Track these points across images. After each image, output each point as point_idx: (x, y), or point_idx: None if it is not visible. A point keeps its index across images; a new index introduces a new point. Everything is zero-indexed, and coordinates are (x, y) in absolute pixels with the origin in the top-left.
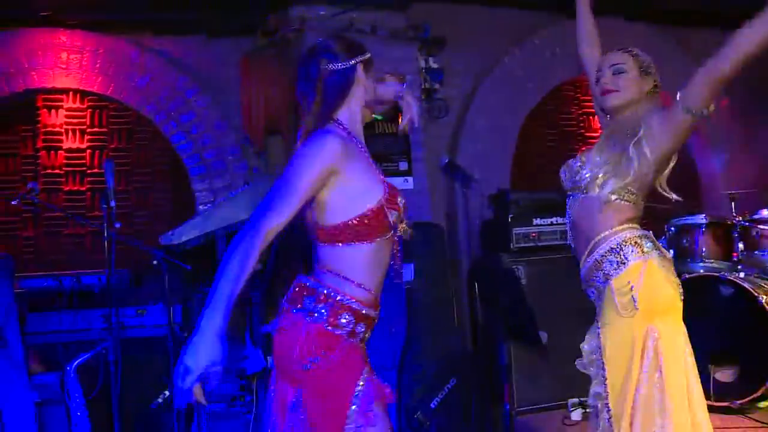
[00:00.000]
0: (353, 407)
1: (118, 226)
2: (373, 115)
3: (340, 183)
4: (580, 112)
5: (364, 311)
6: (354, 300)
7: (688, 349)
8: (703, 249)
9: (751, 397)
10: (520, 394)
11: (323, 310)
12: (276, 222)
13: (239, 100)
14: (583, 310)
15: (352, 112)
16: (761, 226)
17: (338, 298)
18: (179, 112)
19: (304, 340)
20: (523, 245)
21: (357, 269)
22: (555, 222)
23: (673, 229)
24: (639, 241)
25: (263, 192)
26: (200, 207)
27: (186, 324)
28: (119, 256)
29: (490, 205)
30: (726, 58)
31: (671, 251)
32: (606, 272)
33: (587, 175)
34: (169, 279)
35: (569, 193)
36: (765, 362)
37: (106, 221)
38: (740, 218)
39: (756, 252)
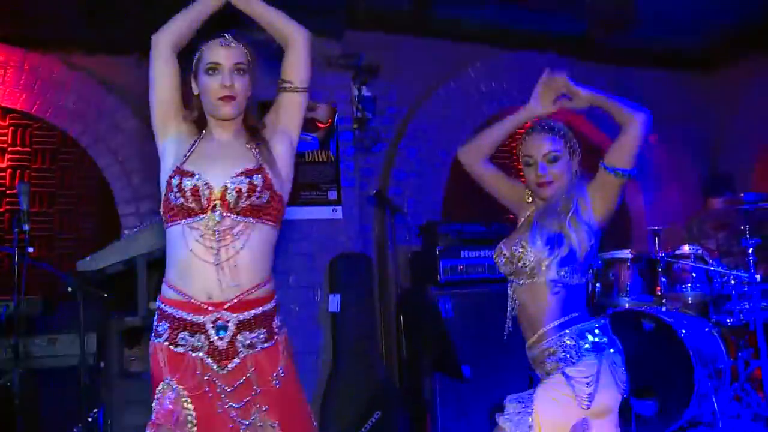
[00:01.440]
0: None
1: (30, 250)
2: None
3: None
4: (512, 144)
5: (178, 316)
6: (166, 303)
7: None
8: (628, 283)
9: (671, 429)
10: (444, 427)
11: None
12: None
13: None
14: (507, 344)
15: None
16: (683, 261)
17: (159, 304)
18: (107, 134)
19: None
20: (450, 278)
21: (169, 263)
22: (482, 255)
23: (599, 263)
24: (592, 332)
25: None
26: (126, 232)
27: (103, 353)
28: (34, 282)
29: (420, 236)
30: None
31: (598, 285)
32: (559, 360)
33: (531, 260)
34: (84, 306)
35: (511, 278)
36: (683, 395)
37: (16, 245)
38: (663, 253)
39: (678, 287)
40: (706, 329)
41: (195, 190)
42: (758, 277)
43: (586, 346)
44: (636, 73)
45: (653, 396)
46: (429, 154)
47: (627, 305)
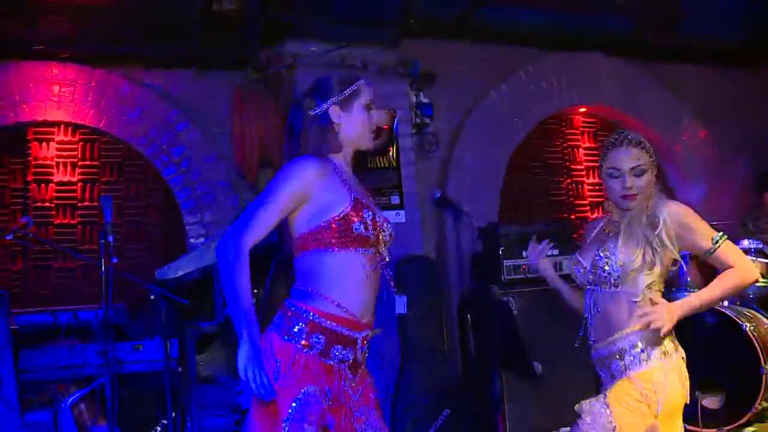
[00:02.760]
0: (289, 415)
1: (115, 261)
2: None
3: (311, 199)
4: (564, 145)
5: (338, 331)
6: (324, 318)
7: None
8: (687, 278)
9: (738, 422)
10: (512, 425)
11: (296, 328)
12: (252, 238)
13: (229, 133)
14: (571, 342)
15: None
16: None
17: (310, 315)
18: (170, 145)
19: (269, 352)
20: (513, 277)
21: (327, 282)
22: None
23: None
24: (662, 341)
25: None
26: (191, 240)
27: (182, 358)
28: (113, 291)
29: (480, 238)
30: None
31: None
32: (627, 364)
33: (617, 270)
34: (165, 313)
35: (590, 287)
36: (750, 388)
37: (103, 256)
38: None
39: None
40: None
41: (374, 222)
42: None
43: (655, 353)
44: (683, 70)
45: (719, 390)
46: (484, 157)
47: None
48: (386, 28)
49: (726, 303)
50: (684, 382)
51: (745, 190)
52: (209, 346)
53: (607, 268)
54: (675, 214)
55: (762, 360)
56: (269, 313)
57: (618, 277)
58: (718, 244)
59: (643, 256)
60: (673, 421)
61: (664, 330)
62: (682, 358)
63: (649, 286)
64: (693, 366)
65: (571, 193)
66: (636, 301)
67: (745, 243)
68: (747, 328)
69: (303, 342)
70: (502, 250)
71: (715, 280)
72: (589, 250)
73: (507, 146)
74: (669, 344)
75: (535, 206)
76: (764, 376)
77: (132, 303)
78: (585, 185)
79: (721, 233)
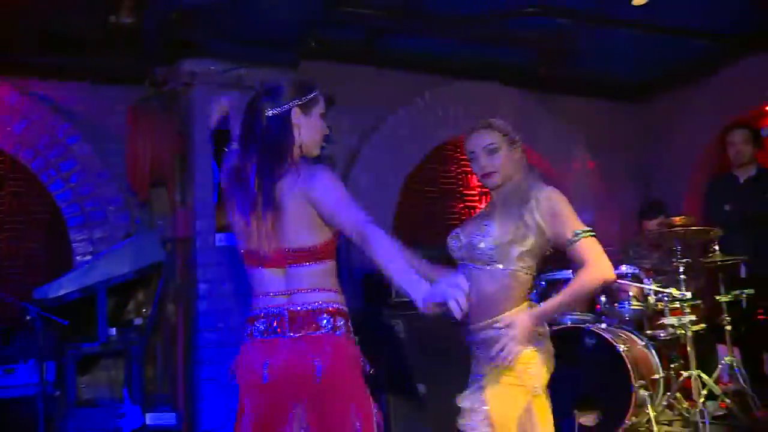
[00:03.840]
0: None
1: None
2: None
3: None
4: (459, 170)
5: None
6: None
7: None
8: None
9: None
10: None
11: (347, 325)
12: None
13: (123, 149)
14: (457, 362)
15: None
16: (620, 281)
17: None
18: (59, 159)
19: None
20: (402, 299)
21: (337, 283)
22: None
23: (543, 283)
24: (535, 328)
25: (146, 245)
26: (78, 258)
27: (60, 382)
28: None
29: (371, 261)
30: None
31: (542, 303)
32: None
33: (492, 247)
34: (42, 334)
35: (464, 263)
36: (622, 406)
37: None
38: None
39: (616, 304)
40: (642, 343)
41: None
42: (688, 294)
43: (529, 340)
44: (576, 102)
45: (595, 407)
46: (380, 181)
47: (569, 322)
48: (286, 49)
49: (604, 325)
50: (551, 359)
51: (630, 219)
52: (92, 369)
53: (482, 245)
54: (548, 198)
55: (633, 379)
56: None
57: (492, 254)
58: (578, 237)
59: (516, 230)
60: (543, 398)
61: (517, 351)
62: (549, 342)
63: (521, 258)
64: (572, 386)
65: (464, 217)
66: (509, 280)
67: (623, 268)
68: (621, 350)
69: (353, 336)
70: None
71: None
72: (468, 227)
73: (403, 170)
74: (543, 326)
75: (428, 230)
76: (634, 394)
77: (8, 324)
78: (478, 210)
79: (586, 229)
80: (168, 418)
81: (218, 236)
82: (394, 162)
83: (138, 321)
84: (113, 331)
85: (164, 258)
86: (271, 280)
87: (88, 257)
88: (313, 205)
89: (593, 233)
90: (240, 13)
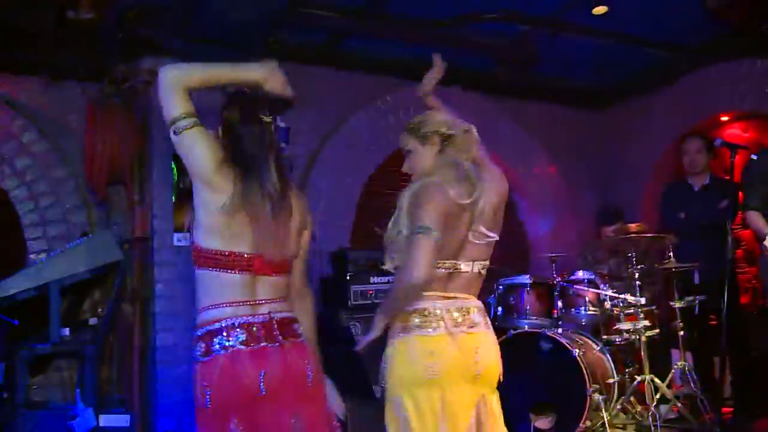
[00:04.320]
0: None
1: None
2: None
3: None
4: None
5: None
6: None
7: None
8: (527, 307)
9: None
10: None
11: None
12: None
13: (81, 146)
14: None
15: None
16: (577, 286)
17: None
18: (13, 155)
19: None
20: (360, 302)
21: None
22: (391, 281)
23: (501, 287)
24: (407, 318)
25: (103, 244)
26: (32, 256)
27: (10, 384)
28: None
29: (330, 263)
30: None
31: (500, 308)
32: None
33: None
34: None
35: None
36: (577, 410)
37: None
38: (560, 279)
39: (572, 310)
40: (598, 348)
41: None
42: (643, 299)
43: (394, 329)
44: (536, 108)
45: (551, 411)
46: (339, 183)
47: (526, 327)
48: (247, 50)
49: (560, 330)
50: (420, 358)
51: (589, 225)
52: (44, 370)
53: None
54: (413, 188)
55: (588, 383)
56: (111, 330)
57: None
58: (401, 234)
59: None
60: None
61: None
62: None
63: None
64: (528, 389)
65: None
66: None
67: (580, 274)
68: (576, 354)
69: None
70: (350, 276)
71: None
72: None
73: (363, 172)
74: (414, 320)
75: None
76: (589, 398)
77: None
78: None
79: (425, 228)
80: (122, 420)
81: (176, 236)
82: (354, 164)
83: (93, 321)
84: (66, 331)
85: (121, 257)
86: (254, 287)
87: (42, 255)
88: (305, 216)
89: (429, 234)
90: (201, 12)
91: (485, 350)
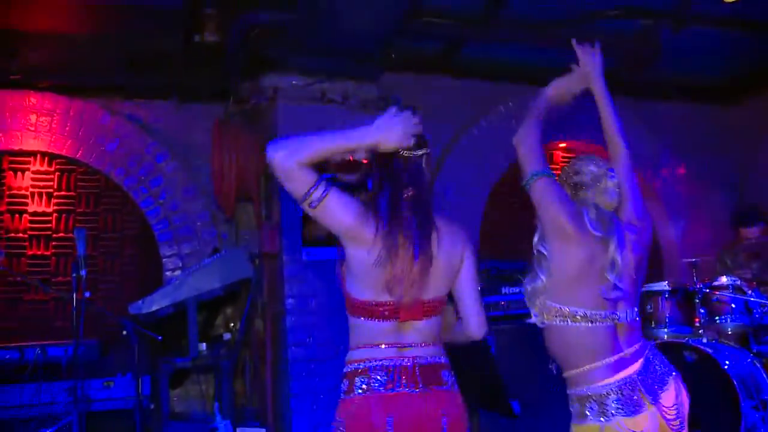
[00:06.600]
0: None
1: (87, 295)
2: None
3: None
4: None
5: None
6: None
7: None
8: (666, 315)
9: None
10: None
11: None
12: None
13: (208, 165)
14: (553, 377)
15: None
16: (721, 293)
17: None
18: (148, 176)
19: None
20: (492, 314)
21: None
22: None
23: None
24: None
25: (234, 261)
26: (168, 273)
27: (155, 395)
28: (84, 325)
29: None
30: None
31: None
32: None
33: None
34: (138, 349)
35: None
36: (727, 426)
37: (75, 290)
38: (701, 285)
39: (716, 318)
40: (749, 360)
41: None
42: None
43: None
44: (661, 106)
45: (698, 428)
46: (464, 191)
47: (666, 337)
48: (367, 61)
49: (704, 340)
50: None
51: (723, 226)
52: (183, 382)
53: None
54: None
55: (741, 398)
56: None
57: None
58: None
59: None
60: None
61: None
62: None
63: None
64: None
65: None
66: None
67: (723, 279)
68: (726, 366)
69: None
70: (481, 287)
71: None
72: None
73: (487, 181)
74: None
75: (514, 242)
76: (744, 415)
77: (104, 338)
78: None
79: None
80: None
81: (305, 251)
82: (479, 173)
83: (227, 336)
84: (203, 345)
85: (252, 273)
86: (400, 332)
87: (177, 272)
88: (462, 261)
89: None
90: (320, 27)
91: None
